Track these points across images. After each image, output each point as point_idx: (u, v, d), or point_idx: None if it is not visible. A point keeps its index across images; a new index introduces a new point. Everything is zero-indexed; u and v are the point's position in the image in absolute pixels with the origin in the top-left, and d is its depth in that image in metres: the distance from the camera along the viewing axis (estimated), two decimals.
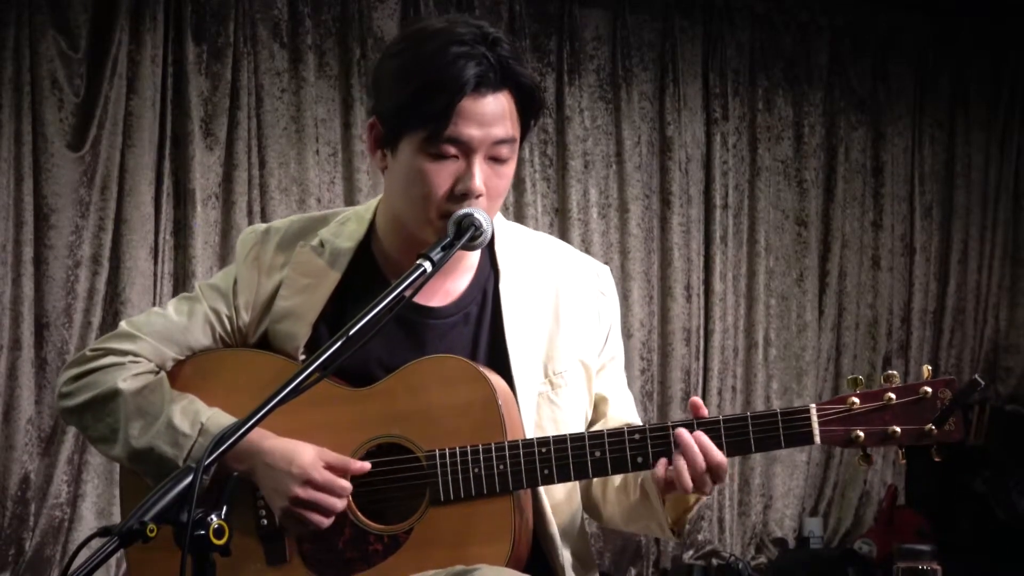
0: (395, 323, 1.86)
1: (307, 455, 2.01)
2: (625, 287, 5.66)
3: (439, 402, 2.03)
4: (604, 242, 5.68)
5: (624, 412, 2.21)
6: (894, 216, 6.34)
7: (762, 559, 5.94)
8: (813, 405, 1.98)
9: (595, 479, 2.16)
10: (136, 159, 4.86)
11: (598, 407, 2.20)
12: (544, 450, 2.00)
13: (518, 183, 5.44)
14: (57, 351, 4.76)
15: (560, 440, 2.01)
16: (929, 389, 1.96)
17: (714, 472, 1.95)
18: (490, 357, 2.10)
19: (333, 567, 2.06)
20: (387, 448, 2.06)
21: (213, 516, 1.57)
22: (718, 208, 5.92)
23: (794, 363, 6.11)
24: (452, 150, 1.97)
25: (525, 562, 2.04)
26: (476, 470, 2.00)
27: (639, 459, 2.00)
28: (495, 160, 1.99)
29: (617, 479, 2.14)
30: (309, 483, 2.00)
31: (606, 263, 2.57)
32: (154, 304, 4.75)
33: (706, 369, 5.90)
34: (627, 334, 5.52)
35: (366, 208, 2.19)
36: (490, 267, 2.16)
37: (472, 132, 1.96)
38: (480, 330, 2.12)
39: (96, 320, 4.78)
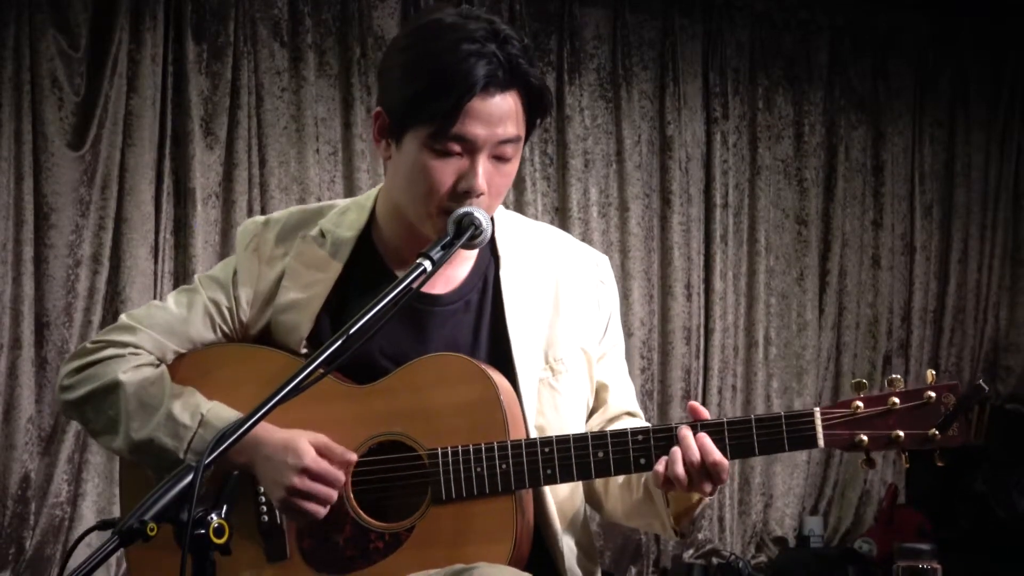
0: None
1: (303, 444, 2.01)
2: (625, 286, 5.66)
3: (442, 400, 2.02)
4: (604, 241, 5.68)
5: (625, 400, 2.22)
6: (894, 215, 6.33)
7: (762, 558, 5.94)
8: (817, 409, 1.98)
9: None
10: (136, 158, 4.86)
11: (599, 395, 2.20)
12: (547, 450, 2.00)
13: (518, 182, 5.43)
14: (57, 350, 4.76)
15: (563, 440, 2.00)
16: (933, 394, 1.96)
17: (712, 471, 1.94)
18: (491, 343, 2.10)
19: (333, 564, 2.05)
20: (389, 446, 2.05)
21: (213, 515, 1.57)
22: (718, 207, 5.91)
23: (794, 362, 6.11)
24: (457, 147, 1.96)
25: (527, 560, 2.03)
26: (478, 469, 2.00)
27: (642, 460, 1.99)
28: (499, 159, 1.99)
29: (620, 476, 2.13)
30: (305, 472, 1.99)
31: None
32: None
33: (706, 368, 5.90)
34: (627, 333, 5.52)
35: (366, 197, 2.19)
36: (490, 255, 2.16)
37: (478, 131, 1.95)
38: (481, 317, 2.12)
39: (96, 319, 4.78)
